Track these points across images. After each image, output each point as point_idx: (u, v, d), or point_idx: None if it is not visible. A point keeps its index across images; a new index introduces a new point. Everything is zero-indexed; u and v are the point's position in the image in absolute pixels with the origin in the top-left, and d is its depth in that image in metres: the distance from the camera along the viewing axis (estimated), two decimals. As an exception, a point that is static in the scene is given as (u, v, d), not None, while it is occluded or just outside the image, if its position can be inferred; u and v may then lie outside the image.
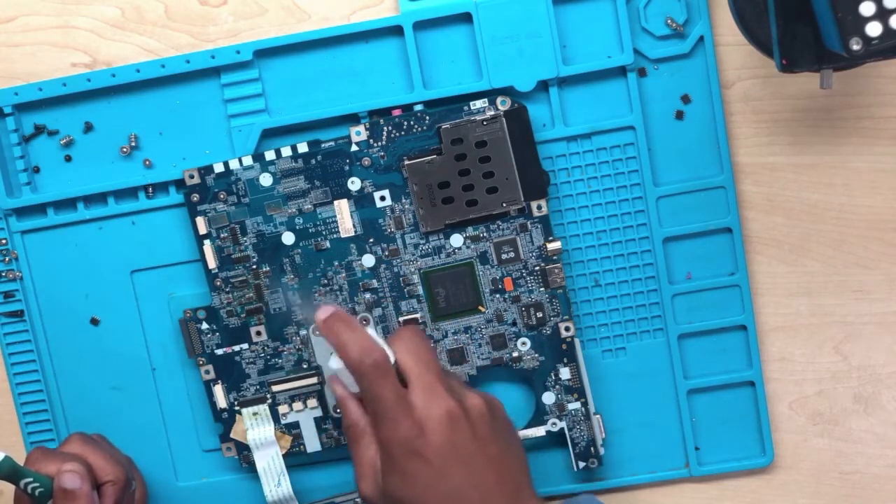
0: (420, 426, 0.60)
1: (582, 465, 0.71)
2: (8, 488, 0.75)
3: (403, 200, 0.69)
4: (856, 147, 0.69)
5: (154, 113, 0.71)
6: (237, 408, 0.71)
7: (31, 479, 0.62)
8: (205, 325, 0.71)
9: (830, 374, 0.71)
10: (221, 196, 0.69)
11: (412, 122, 0.68)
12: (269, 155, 0.69)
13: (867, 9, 0.52)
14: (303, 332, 0.71)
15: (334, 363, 0.63)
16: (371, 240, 0.69)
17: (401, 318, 0.70)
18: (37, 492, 0.63)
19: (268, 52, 0.69)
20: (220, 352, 0.71)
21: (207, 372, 0.71)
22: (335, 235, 0.69)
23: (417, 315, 0.70)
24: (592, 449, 0.70)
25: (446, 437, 0.60)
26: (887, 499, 0.71)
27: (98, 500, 0.65)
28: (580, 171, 0.69)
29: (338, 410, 0.71)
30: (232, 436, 0.72)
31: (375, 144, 0.69)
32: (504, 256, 0.69)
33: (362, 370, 0.61)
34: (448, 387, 0.62)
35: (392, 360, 0.61)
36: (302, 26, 0.70)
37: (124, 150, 0.71)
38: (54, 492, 0.63)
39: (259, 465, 0.71)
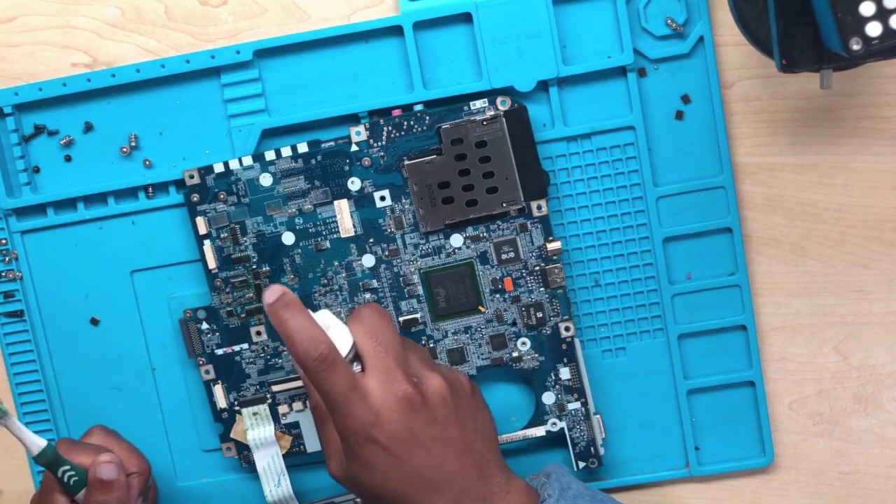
0: (376, 414, 0.60)
1: (582, 465, 0.71)
2: (8, 488, 0.75)
3: (403, 200, 0.69)
4: (856, 147, 0.69)
5: (154, 113, 0.71)
6: (237, 408, 0.71)
7: (68, 468, 0.64)
8: (205, 325, 0.71)
9: (830, 374, 0.71)
10: (221, 196, 0.69)
11: (412, 122, 0.68)
12: (269, 155, 0.69)
13: (867, 9, 0.52)
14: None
15: None
16: (371, 240, 0.69)
17: (401, 318, 0.70)
18: (72, 481, 0.64)
19: (268, 52, 0.69)
20: (220, 352, 0.71)
21: (207, 372, 0.71)
22: (335, 235, 0.69)
23: (417, 315, 0.70)
24: (592, 449, 0.70)
25: (403, 423, 0.60)
26: (887, 499, 0.71)
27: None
28: (580, 171, 0.69)
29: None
30: (232, 436, 0.72)
31: (375, 144, 0.69)
32: (504, 256, 0.69)
33: (307, 364, 0.59)
34: (407, 369, 0.61)
35: (350, 342, 0.61)
36: (302, 26, 0.70)
37: (124, 150, 0.71)
38: (90, 482, 0.64)
39: (259, 465, 0.71)
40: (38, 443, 0.63)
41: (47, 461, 0.63)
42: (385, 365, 0.61)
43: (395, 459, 0.60)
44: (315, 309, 0.70)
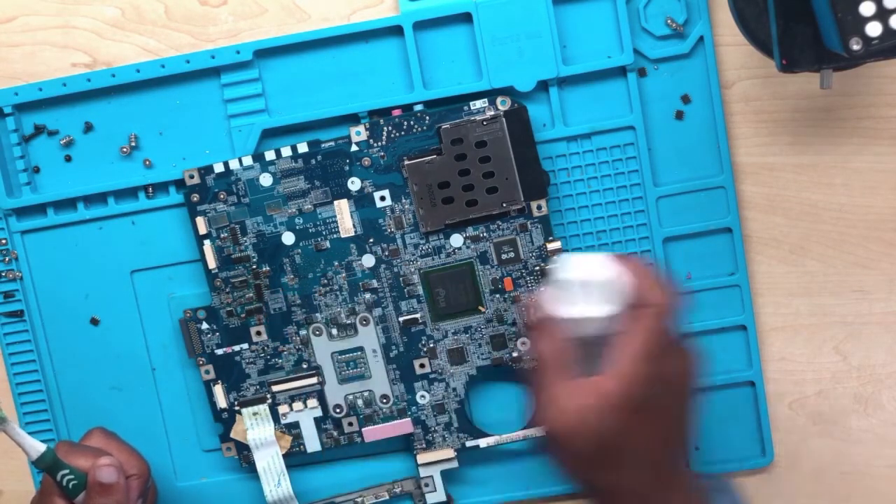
0: (599, 413, 0.56)
1: (582, 465, 0.71)
2: (8, 488, 0.75)
3: (403, 200, 0.69)
4: (856, 147, 0.69)
5: (154, 113, 0.71)
6: (237, 408, 0.71)
7: (67, 472, 0.64)
8: (205, 325, 0.71)
9: (830, 374, 0.71)
10: (221, 196, 0.69)
11: (412, 122, 0.68)
12: (269, 155, 0.69)
13: (867, 9, 0.52)
14: (303, 333, 0.71)
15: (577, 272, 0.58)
16: (371, 240, 0.69)
17: (401, 318, 0.70)
18: (71, 484, 0.64)
19: (268, 52, 0.69)
20: (220, 352, 0.71)
21: (207, 372, 0.71)
22: (335, 235, 0.69)
23: (417, 315, 0.70)
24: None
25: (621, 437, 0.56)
26: (887, 499, 0.71)
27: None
28: (580, 171, 0.69)
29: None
30: (232, 436, 0.72)
31: (375, 144, 0.69)
32: (504, 256, 0.69)
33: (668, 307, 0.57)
34: (652, 386, 0.57)
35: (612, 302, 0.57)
36: (302, 26, 0.70)
37: (124, 150, 0.71)
38: (89, 485, 0.64)
39: (259, 465, 0.71)
40: (38, 447, 0.63)
41: (46, 465, 0.63)
42: (639, 376, 0.56)
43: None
44: (315, 309, 0.70)
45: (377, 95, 0.69)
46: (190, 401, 0.73)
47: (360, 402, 0.71)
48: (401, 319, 0.70)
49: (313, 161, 0.69)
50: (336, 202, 0.69)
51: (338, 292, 0.70)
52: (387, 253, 0.69)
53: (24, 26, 0.71)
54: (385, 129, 0.68)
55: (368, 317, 0.70)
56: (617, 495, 0.58)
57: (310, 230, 0.69)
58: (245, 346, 0.71)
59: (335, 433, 0.72)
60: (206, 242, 0.70)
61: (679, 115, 0.69)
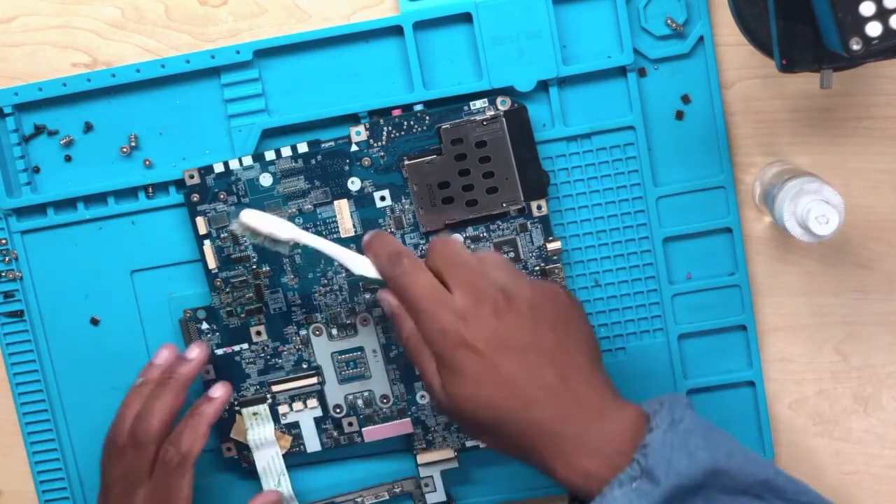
0: (462, 316, 0.59)
1: (582, 465, 0.70)
2: (8, 488, 0.75)
3: (403, 200, 0.69)
4: (856, 147, 0.69)
5: (154, 113, 0.71)
6: (237, 407, 0.71)
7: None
8: (205, 325, 0.71)
9: (830, 374, 0.71)
10: (221, 196, 0.69)
11: (412, 123, 0.68)
12: (269, 155, 0.69)
13: (867, 9, 0.52)
14: (303, 333, 0.70)
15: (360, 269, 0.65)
16: (371, 240, 0.69)
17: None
18: None
19: (268, 52, 0.69)
20: (220, 352, 0.71)
21: (207, 371, 0.71)
22: (335, 235, 0.69)
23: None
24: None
25: (491, 325, 0.59)
26: (887, 499, 0.71)
27: None
28: (580, 171, 0.69)
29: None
30: (232, 435, 0.72)
31: (375, 144, 0.69)
32: (504, 256, 0.69)
33: (386, 269, 0.62)
34: (491, 281, 0.61)
35: None
36: (302, 26, 0.70)
37: (124, 150, 0.71)
38: None
39: (259, 465, 0.71)
40: None
41: None
42: (465, 278, 0.61)
43: (487, 362, 0.59)
44: (315, 309, 0.70)
45: (377, 95, 0.69)
46: (190, 401, 0.72)
47: (360, 402, 0.71)
48: (401, 320, 0.70)
49: (313, 161, 0.69)
50: (336, 202, 0.69)
51: (338, 292, 0.70)
52: (387, 253, 0.69)
53: (24, 26, 0.71)
54: (385, 129, 0.68)
55: (368, 317, 0.70)
56: (532, 436, 0.59)
57: (310, 230, 0.69)
58: (245, 346, 0.71)
59: (335, 433, 0.72)
60: (207, 242, 0.70)
61: (679, 115, 0.69)
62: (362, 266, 0.65)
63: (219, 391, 0.69)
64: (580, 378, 0.60)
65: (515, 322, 0.60)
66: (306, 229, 0.69)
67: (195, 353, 0.69)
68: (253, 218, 0.65)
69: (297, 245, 0.66)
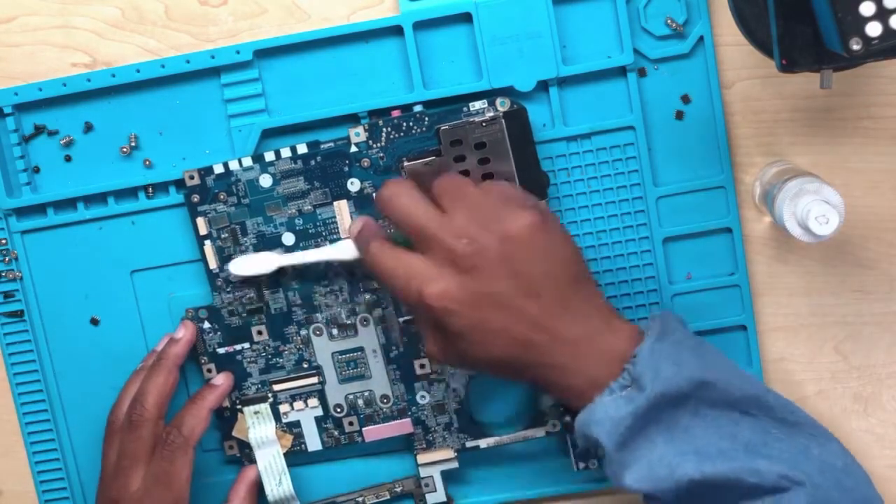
0: (465, 236, 0.60)
1: (582, 465, 0.71)
2: (8, 488, 0.75)
3: (403, 201, 0.69)
4: (856, 147, 0.69)
5: (154, 113, 0.71)
6: (239, 406, 0.72)
7: None
8: (206, 325, 0.71)
9: (830, 374, 0.71)
10: (221, 197, 0.69)
11: (411, 124, 0.68)
12: (269, 156, 0.69)
13: (867, 9, 0.52)
14: (303, 332, 0.71)
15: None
16: (371, 240, 0.69)
17: (401, 319, 0.70)
18: None
19: (268, 52, 0.69)
20: (221, 351, 0.71)
21: (209, 371, 0.71)
22: (335, 236, 0.69)
23: (417, 315, 0.70)
24: (592, 450, 0.70)
25: (469, 288, 0.59)
26: (887, 499, 0.71)
27: None
28: (580, 171, 0.69)
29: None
30: (234, 434, 0.72)
31: (375, 145, 0.68)
32: (504, 256, 0.69)
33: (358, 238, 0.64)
34: (484, 217, 0.60)
35: None
36: (302, 26, 0.70)
37: (124, 150, 0.71)
38: None
39: (260, 464, 0.71)
40: None
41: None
42: (432, 244, 0.61)
43: (475, 322, 0.59)
44: (316, 310, 0.70)
45: (377, 95, 0.69)
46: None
47: (360, 401, 0.71)
48: (401, 320, 0.70)
49: (313, 162, 0.69)
50: (336, 203, 0.69)
51: (338, 293, 0.70)
52: (387, 253, 0.69)
53: (24, 26, 0.71)
54: (384, 130, 0.68)
55: (369, 317, 0.70)
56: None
57: (310, 231, 0.69)
58: (246, 345, 0.71)
59: (336, 432, 0.72)
60: (207, 243, 0.70)
61: (679, 115, 0.69)
62: (348, 249, 0.66)
63: (221, 379, 0.70)
64: (575, 304, 0.61)
65: (488, 275, 0.59)
66: (306, 230, 0.69)
67: (181, 332, 0.70)
68: (240, 267, 0.69)
69: (293, 248, 0.67)
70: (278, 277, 0.70)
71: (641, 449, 0.58)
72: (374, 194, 0.69)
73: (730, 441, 0.58)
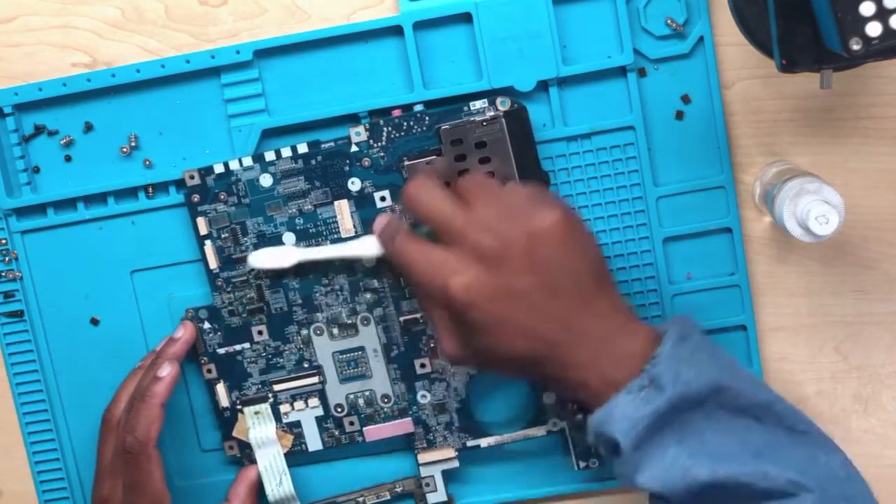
0: (491, 230, 0.60)
1: (583, 464, 0.71)
2: (8, 488, 0.75)
3: (403, 201, 0.69)
4: (856, 147, 0.69)
5: (154, 113, 0.71)
6: (239, 407, 0.72)
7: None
8: (206, 325, 0.71)
9: (830, 374, 0.71)
10: (222, 197, 0.69)
11: (412, 123, 0.68)
12: (269, 156, 0.69)
13: (867, 9, 0.52)
14: (304, 332, 0.71)
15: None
16: (371, 240, 0.69)
17: (401, 318, 0.70)
18: None
19: (268, 52, 0.69)
20: (221, 351, 0.71)
21: (210, 371, 0.71)
22: (335, 236, 0.69)
23: (418, 315, 0.70)
24: (594, 449, 0.70)
25: (493, 284, 0.60)
26: (887, 499, 0.71)
27: None
28: (580, 171, 0.69)
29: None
30: (234, 434, 0.72)
31: (375, 145, 0.69)
32: (504, 256, 0.69)
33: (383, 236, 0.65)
34: (510, 213, 0.61)
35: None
36: (302, 26, 0.70)
37: (124, 150, 0.71)
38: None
39: (261, 464, 0.71)
40: None
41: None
42: (458, 239, 0.61)
43: (498, 318, 0.60)
44: (316, 309, 0.70)
45: (377, 95, 0.69)
46: (190, 400, 0.73)
47: (361, 401, 0.71)
48: (402, 319, 0.70)
49: (313, 162, 0.69)
50: (336, 202, 0.69)
51: (338, 292, 0.70)
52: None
53: (24, 26, 0.71)
54: (385, 129, 0.68)
55: (369, 316, 0.70)
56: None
57: (310, 230, 0.69)
58: (247, 345, 0.71)
59: (336, 432, 0.72)
60: (207, 243, 0.70)
61: (679, 115, 0.69)
62: (371, 245, 0.67)
63: (166, 369, 0.67)
64: (596, 304, 0.61)
65: (513, 271, 0.60)
66: (306, 230, 0.69)
67: (180, 332, 0.70)
68: (259, 260, 0.69)
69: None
70: (292, 273, 0.70)
71: (656, 449, 0.58)
72: (374, 194, 0.69)
73: (741, 445, 0.58)
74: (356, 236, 0.69)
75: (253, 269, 0.69)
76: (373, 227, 0.67)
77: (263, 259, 0.69)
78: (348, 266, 0.70)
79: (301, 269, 0.70)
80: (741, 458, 0.58)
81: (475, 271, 0.60)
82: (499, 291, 0.60)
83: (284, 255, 0.69)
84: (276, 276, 0.70)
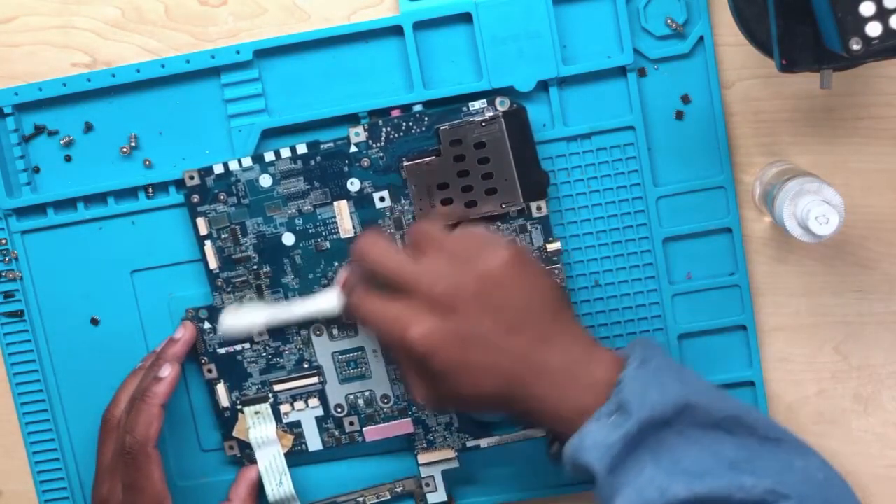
0: (440, 278, 0.62)
1: (582, 464, 0.71)
2: (8, 488, 0.76)
3: (403, 201, 0.69)
4: (856, 147, 0.69)
5: (154, 113, 0.71)
6: (239, 407, 0.72)
7: None
8: (206, 325, 0.71)
9: (830, 374, 0.71)
10: (221, 197, 0.69)
11: (411, 123, 0.68)
12: (269, 156, 0.69)
13: (867, 9, 0.52)
14: (303, 332, 0.71)
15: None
16: (371, 240, 0.69)
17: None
18: None
19: (268, 52, 0.69)
20: (222, 351, 0.71)
21: (210, 371, 0.71)
22: (335, 236, 0.69)
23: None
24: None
25: (448, 329, 0.61)
26: (887, 499, 0.71)
27: None
28: (580, 171, 0.69)
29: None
30: (234, 434, 0.72)
31: (374, 145, 0.68)
32: (504, 256, 0.69)
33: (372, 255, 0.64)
34: (458, 258, 0.62)
35: None
36: (302, 26, 0.70)
37: (124, 150, 0.71)
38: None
39: (261, 464, 0.71)
40: None
41: None
42: (414, 292, 0.62)
43: (458, 363, 0.60)
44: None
45: (377, 95, 0.69)
46: (190, 400, 0.73)
47: (360, 401, 0.71)
48: (401, 319, 0.70)
49: (312, 162, 0.69)
50: (336, 203, 0.69)
51: (338, 292, 0.70)
52: (387, 253, 0.69)
53: (24, 26, 0.71)
54: (384, 130, 0.68)
55: (369, 317, 0.70)
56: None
57: (310, 231, 0.69)
58: (247, 345, 0.71)
59: (336, 432, 0.72)
60: (207, 243, 0.70)
61: (679, 115, 0.69)
62: (333, 300, 0.68)
63: (167, 370, 0.68)
64: (556, 336, 0.62)
65: (468, 314, 0.61)
66: (306, 230, 0.69)
67: (180, 333, 0.70)
68: (229, 324, 0.69)
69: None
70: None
71: (631, 471, 0.59)
72: (373, 194, 0.69)
73: (716, 459, 0.59)
74: (355, 236, 0.69)
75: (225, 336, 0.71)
76: (336, 281, 0.68)
77: (232, 323, 0.69)
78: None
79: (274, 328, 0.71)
80: (717, 472, 0.58)
81: (431, 320, 0.61)
82: (456, 337, 0.61)
83: (252, 317, 0.69)
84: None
